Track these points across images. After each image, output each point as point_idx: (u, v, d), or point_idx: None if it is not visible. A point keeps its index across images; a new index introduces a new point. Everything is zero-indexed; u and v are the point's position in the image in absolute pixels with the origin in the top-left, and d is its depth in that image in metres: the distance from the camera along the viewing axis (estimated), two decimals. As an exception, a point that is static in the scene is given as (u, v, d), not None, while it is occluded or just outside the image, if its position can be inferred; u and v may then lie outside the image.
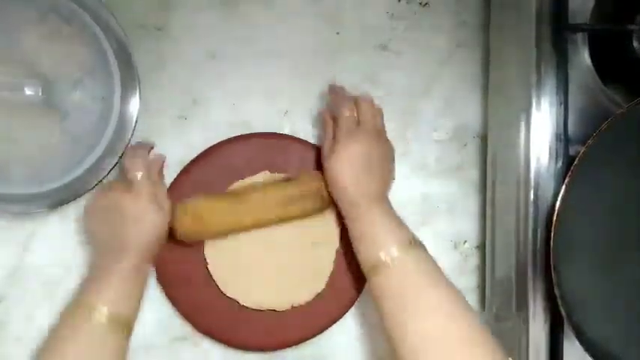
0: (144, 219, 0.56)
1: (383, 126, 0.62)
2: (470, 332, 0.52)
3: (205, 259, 0.63)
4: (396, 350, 0.53)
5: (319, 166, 0.63)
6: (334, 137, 0.60)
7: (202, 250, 0.63)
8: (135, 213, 0.55)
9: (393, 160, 0.62)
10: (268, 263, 0.63)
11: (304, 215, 0.62)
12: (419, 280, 0.54)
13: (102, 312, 0.53)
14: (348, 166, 0.58)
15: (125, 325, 0.55)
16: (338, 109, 0.60)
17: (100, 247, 0.58)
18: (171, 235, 0.59)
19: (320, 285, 0.64)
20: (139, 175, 0.56)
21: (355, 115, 0.60)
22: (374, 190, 0.58)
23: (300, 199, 0.61)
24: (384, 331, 0.55)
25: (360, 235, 0.58)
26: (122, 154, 0.59)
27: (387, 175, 0.61)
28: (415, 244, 0.56)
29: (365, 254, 0.57)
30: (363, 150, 0.58)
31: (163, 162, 0.61)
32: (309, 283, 0.64)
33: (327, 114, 0.62)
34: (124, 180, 0.57)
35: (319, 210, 0.62)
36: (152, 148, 0.61)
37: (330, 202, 0.61)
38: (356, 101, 0.61)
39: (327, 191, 0.60)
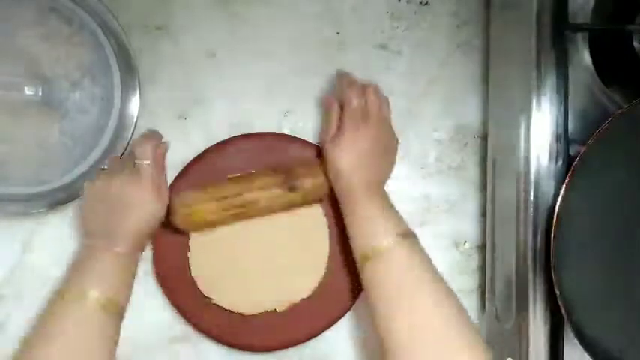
0: (145, 207, 0.56)
1: (389, 116, 0.62)
2: (457, 328, 0.52)
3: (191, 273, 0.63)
4: (383, 341, 0.53)
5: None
6: (339, 124, 0.59)
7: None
8: (137, 200, 0.56)
9: (395, 151, 0.63)
10: (259, 266, 0.63)
11: (304, 201, 0.61)
12: (410, 272, 0.54)
13: (94, 296, 0.53)
14: (351, 155, 0.58)
15: (117, 311, 0.55)
16: (346, 96, 0.60)
17: (95, 230, 0.57)
18: (170, 225, 0.59)
19: (315, 281, 0.64)
20: (147, 163, 0.57)
21: (363, 103, 0.59)
22: (373, 178, 0.59)
23: (301, 191, 0.60)
24: (372, 323, 0.55)
25: (355, 223, 0.57)
26: (122, 155, 0.59)
27: (387, 166, 0.62)
28: (409, 235, 0.56)
29: (359, 241, 0.57)
30: (368, 141, 0.58)
31: (166, 151, 0.60)
32: (302, 282, 0.64)
33: (333, 99, 0.61)
34: (130, 166, 0.57)
35: (318, 196, 0.62)
36: (161, 138, 0.61)
37: (328, 188, 0.61)
38: (364, 90, 0.60)
39: (326, 183, 0.60)
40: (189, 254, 0.62)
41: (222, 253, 0.63)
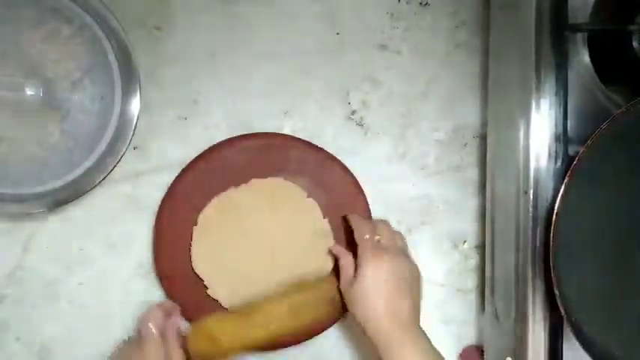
0: None
1: (406, 247, 0.62)
2: None
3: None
4: None
5: (319, 173, 0.63)
6: (355, 265, 0.58)
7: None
8: None
9: (420, 281, 0.60)
10: (262, 267, 0.63)
11: (316, 321, 0.61)
12: None
13: None
14: (376, 290, 0.56)
15: None
16: (358, 234, 0.60)
17: None
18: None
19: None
20: (151, 335, 0.56)
21: (376, 239, 0.59)
22: (405, 316, 0.56)
23: (313, 305, 0.60)
24: None
25: None
26: (122, 156, 0.59)
27: (417, 299, 0.59)
28: None
29: None
30: (389, 271, 0.56)
31: (179, 326, 0.59)
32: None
33: (338, 247, 0.62)
34: (139, 336, 0.57)
35: (332, 316, 0.61)
36: (176, 309, 0.60)
37: (343, 308, 0.60)
38: (375, 225, 0.61)
39: (340, 296, 0.59)
40: (192, 252, 0.62)
41: (225, 254, 0.63)
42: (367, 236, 0.59)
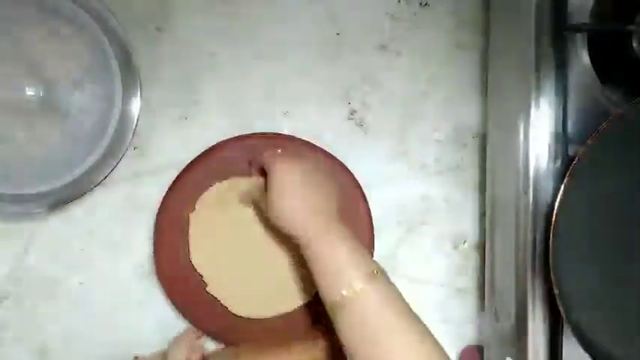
0: None
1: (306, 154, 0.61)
2: None
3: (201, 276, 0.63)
4: None
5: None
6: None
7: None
8: None
9: (331, 173, 0.59)
10: (261, 270, 0.63)
11: None
12: (384, 314, 0.50)
13: None
14: (287, 189, 0.55)
15: None
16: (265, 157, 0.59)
17: None
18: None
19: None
20: None
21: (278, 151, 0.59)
22: (325, 207, 0.55)
23: None
24: None
25: (319, 268, 0.53)
26: (122, 156, 0.59)
27: (333, 190, 0.57)
28: (377, 275, 0.52)
29: (326, 289, 0.52)
30: (293, 167, 0.55)
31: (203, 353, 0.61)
32: (303, 286, 0.64)
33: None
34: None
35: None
36: (199, 336, 0.61)
37: None
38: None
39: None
40: (191, 253, 0.62)
41: (224, 256, 0.63)
42: (266, 154, 0.58)
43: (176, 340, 0.60)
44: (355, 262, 0.52)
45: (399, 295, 0.52)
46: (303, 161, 0.57)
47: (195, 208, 0.62)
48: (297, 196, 0.55)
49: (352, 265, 0.52)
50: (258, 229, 0.63)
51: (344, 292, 0.50)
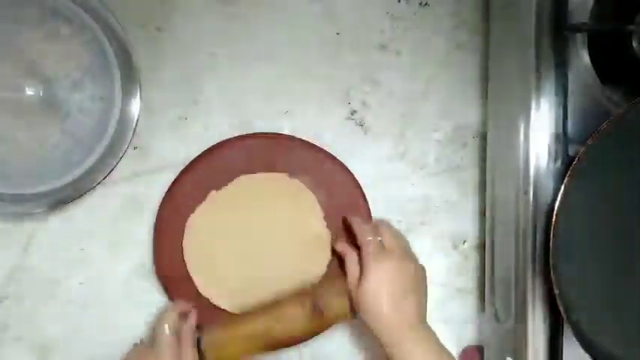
0: None
1: (408, 246, 0.62)
2: None
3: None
4: None
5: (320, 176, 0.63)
6: (360, 266, 0.59)
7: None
8: None
9: (425, 280, 0.61)
10: (258, 267, 0.63)
11: (331, 322, 0.61)
12: None
13: None
14: (383, 290, 0.56)
15: None
16: (361, 236, 0.60)
17: None
18: None
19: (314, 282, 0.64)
20: (165, 336, 0.57)
21: (378, 240, 0.59)
22: (412, 314, 0.57)
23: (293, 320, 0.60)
24: None
25: None
26: (122, 156, 0.59)
27: (423, 298, 0.59)
28: None
29: None
30: (395, 270, 0.57)
31: (194, 325, 0.60)
32: (301, 283, 0.64)
33: (345, 245, 0.62)
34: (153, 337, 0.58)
35: (344, 315, 0.60)
36: (189, 308, 0.60)
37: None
38: (376, 226, 0.61)
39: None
40: (186, 253, 0.62)
41: (221, 254, 0.63)
42: (369, 238, 0.59)
43: (160, 317, 0.58)
44: None
45: None
46: (401, 259, 0.58)
47: (194, 211, 0.62)
48: (387, 297, 0.56)
49: None
50: (255, 232, 0.63)
51: None
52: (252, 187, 0.63)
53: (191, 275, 0.63)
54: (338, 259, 0.63)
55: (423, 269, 0.61)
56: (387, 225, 0.62)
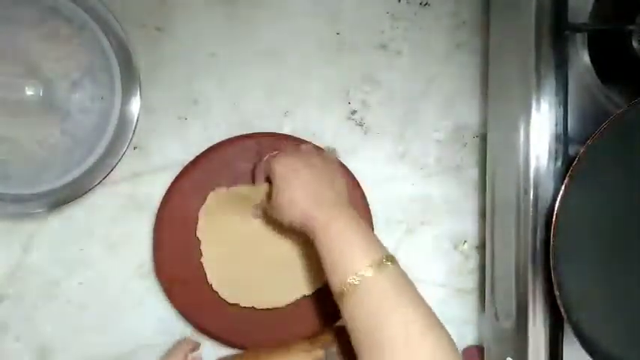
0: None
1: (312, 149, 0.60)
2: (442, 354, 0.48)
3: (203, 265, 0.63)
4: None
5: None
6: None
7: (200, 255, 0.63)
8: None
9: (338, 170, 0.58)
10: (264, 265, 0.63)
11: None
12: (391, 303, 0.49)
13: None
14: (292, 181, 0.54)
15: None
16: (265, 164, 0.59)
17: None
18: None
19: (318, 279, 0.64)
20: None
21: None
22: (329, 195, 0.54)
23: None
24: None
25: (326, 256, 0.52)
26: (122, 156, 0.59)
27: (336, 177, 0.57)
28: (388, 261, 0.50)
29: (333, 278, 0.51)
30: (299, 162, 0.55)
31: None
32: (305, 279, 0.64)
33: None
34: None
35: None
36: (196, 345, 0.61)
37: None
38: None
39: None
40: (201, 255, 0.63)
41: (228, 250, 0.63)
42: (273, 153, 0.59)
43: (170, 352, 0.60)
44: (363, 249, 0.51)
45: (408, 283, 0.51)
46: (302, 155, 0.57)
47: (203, 211, 0.63)
48: (296, 187, 0.54)
49: (360, 252, 0.51)
50: (261, 228, 0.63)
51: (350, 281, 0.49)
52: (252, 189, 0.63)
53: (191, 275, 0.62)
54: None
55: (333, 161, 0.59)
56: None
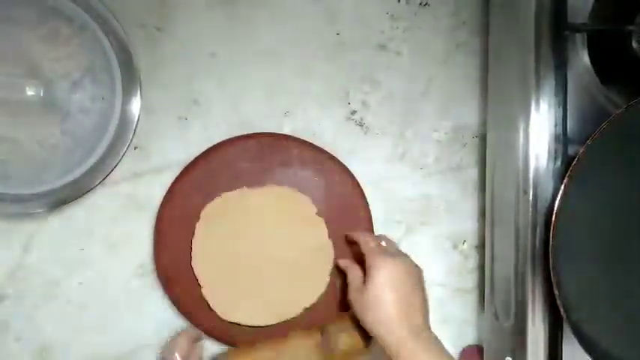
0: None
1: (409, 256, 0.61)
2: None
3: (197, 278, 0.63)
4: None
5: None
6: (365, 273, 0.58)
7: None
8: None
9: (424, 283, 0.59)
10: (262, 278, 0.63)
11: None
12: None
13: None
14: (388, 295, 0.55)
15: None
16: (364, 242, 0.60)
17: None
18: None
19: (317, 293, 0.64)
20: (175, 358, 0.58)
21: (382, 244, 0.61)
22: (417, 320, 0.56)
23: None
24: None
25: None
26: (122, 156, 0.59)
27: (425, 302, 0.58)
28: None
29: None
30: (401, 271, 0.56)
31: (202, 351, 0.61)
32: (304, 293, 0.64)
33: (345, 260, 0.63)
34: None
35: (354, 351, 0.60)
36: (199, 337, 0.61)
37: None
38: (377, 236, 0.63)
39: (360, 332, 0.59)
40: (192, 248, 0.62)
41: (225, 263, 0.63)
42: (372, 244, 0.60)
43: (174, 342, 0.60)
44: None
45: None
46: (406, 266, 0.58)
47: (201, 216, 0.62)
48: (394, 304, 0.55)
49: None
50: (259, 242, 0.63)
51: None
52: (252, 191, 0.63)
53: (195, 272, 0.63)
54: (340, 272, 0.64)
55: (422, 273, 0.60)
56: (386, 237, 0.64)
